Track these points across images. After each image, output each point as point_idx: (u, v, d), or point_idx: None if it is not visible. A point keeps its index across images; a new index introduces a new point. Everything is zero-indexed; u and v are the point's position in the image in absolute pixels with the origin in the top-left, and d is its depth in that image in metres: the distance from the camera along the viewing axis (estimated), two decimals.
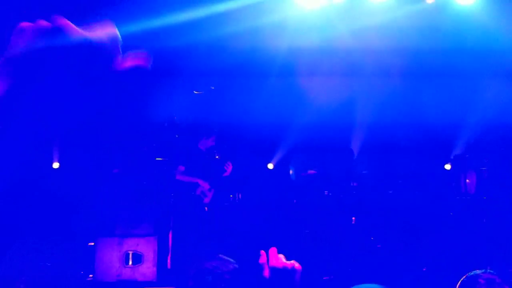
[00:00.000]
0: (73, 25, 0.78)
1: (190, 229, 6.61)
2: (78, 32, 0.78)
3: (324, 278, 6.50)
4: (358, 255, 6.97)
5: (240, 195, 7.80)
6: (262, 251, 1.45)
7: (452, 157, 8.13)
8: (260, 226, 7.57)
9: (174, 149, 6.89)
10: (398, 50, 7.94)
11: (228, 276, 1.98)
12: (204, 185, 6.72)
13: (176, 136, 6.87)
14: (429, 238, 6.98)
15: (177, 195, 6.71)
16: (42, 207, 6.39)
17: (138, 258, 6.17)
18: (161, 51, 6.71)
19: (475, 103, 8.40)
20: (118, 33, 0.81)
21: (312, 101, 8.59)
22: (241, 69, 7.82)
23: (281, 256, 1.45)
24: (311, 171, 7.86)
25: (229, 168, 6.90)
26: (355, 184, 7.70)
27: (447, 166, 8.31)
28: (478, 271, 2.49)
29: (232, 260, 2.04)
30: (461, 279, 2.50)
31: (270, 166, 9.04)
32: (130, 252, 6.17)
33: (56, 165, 7.71)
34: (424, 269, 6.51)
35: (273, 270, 1.39)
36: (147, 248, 6.20)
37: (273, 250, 1.44)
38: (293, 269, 1.42)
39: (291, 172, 9.05)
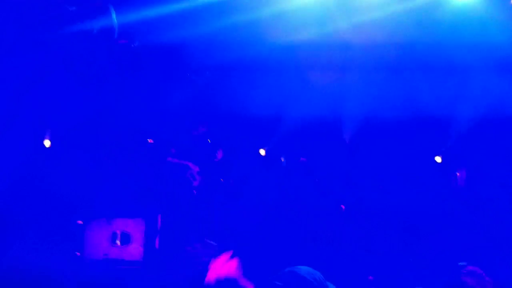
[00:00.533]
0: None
1: (178, 211, 6.66)
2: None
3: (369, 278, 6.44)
4: (347, 246, 7.01)
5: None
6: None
7: (442, 150, 8.16)
8: (250, 213, 7.60)
9: (166, 132, 6.92)
10: (396, 44, 7.93)
11: (208, 259, 1.99)
12: (194, 168, 6.75)
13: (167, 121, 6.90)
14: (419, 232, 7.02)
15: (167, 176, 6.76)
16: (32, 188, 6.41)
17: (126, 238, 6.24)
18: (157, 42, 6.71)
19: (472, 97, 8.43)
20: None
21: (307, 94, 8.59)
22: (237, 62, 7.80)
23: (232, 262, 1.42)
24: (302, 159, 7.88)
25: (219, 153, 6.96)
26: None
27: (438, 159, 8.35)
28: (461, 263, 2.51)
29: (214, 243, 2.04)
30: (445, 272, 2.52)
31: (262, 152, 9.04)
32: (118, 232, 6.24)
33: (47, 143, 7.67)
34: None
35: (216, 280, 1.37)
36: (135, 229, 6.26)
37: (224, 257, 1.41)
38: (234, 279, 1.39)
39: (282, 159, 9.07)
